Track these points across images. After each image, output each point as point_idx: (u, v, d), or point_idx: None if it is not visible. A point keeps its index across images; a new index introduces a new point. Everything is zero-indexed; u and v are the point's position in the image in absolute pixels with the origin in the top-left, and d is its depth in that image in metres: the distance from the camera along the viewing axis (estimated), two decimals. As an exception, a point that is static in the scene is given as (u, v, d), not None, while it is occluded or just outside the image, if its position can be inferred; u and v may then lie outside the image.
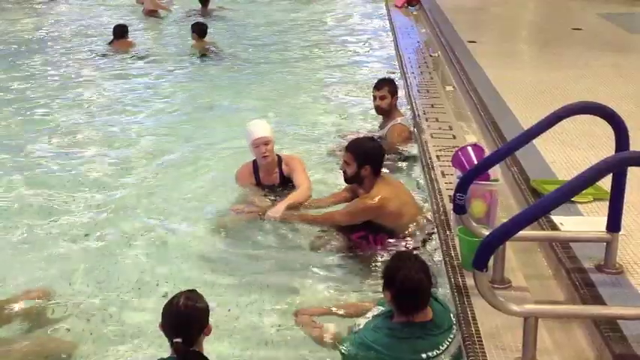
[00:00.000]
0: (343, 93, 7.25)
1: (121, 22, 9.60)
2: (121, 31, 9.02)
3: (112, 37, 9.06)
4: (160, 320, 2.67)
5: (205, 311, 2.68)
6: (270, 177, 4.59)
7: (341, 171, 4.17)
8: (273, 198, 4.50)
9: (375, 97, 5.45)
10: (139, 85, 7.82)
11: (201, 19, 10.00)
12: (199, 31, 8.91)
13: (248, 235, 4.23)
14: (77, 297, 3.63)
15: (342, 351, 2.95)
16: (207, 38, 9.01)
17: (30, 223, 4.45)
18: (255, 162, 4.58)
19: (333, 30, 10.54)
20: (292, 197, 4.36)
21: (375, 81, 5.66)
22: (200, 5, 11.36)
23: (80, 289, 3.73)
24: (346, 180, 4.11)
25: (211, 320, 2.69)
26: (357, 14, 11.68)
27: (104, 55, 8.78)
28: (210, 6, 11.47)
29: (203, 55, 8.80)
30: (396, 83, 5.73)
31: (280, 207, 4.25)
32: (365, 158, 3.96)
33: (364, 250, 3.96)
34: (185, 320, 2.59)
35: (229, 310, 3.48)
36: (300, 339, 3.24)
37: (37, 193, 4.89)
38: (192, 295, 2.68)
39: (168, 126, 6.47)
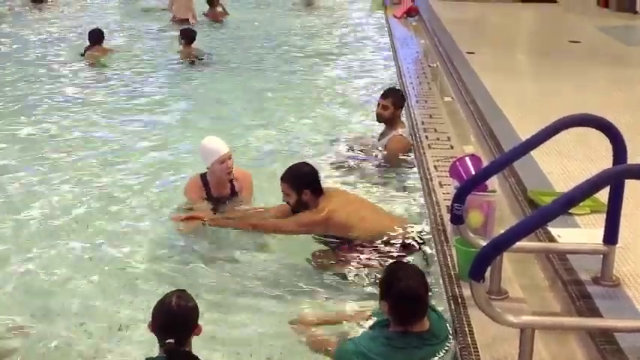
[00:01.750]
0: (338, 102, 7.25)
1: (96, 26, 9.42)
2: (98, 36, 8.84)
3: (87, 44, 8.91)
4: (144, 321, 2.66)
5: (196, 311, 2.68)
6: (223, 189, 4.55)
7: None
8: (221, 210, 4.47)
9: (378, 104, 5.47)
10: (125, 92, 7.76)
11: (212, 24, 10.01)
12: (187, 37, 8.89)
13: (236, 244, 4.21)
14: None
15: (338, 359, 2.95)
16: (198, 45, 9.02)
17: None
18: (203, 175, 4.54)
19: (331, 39, 10.56)
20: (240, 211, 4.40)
21: (379, 89, 5.68)
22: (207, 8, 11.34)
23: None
24: (293, 210, 4.11)
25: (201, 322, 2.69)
26: (355, 24, 11.73)
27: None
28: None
29: (192, 61, 8.80)
30: (404, 97, 5.71)
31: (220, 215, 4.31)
32: (300, 184, 4.01)
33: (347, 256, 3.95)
34: (177, 320, 2.59)
35: (221, 315, 3.47)
36: (297, 347, 3.23)
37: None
38: (183, 294, 2.68)
39: (152, 131, 6.41)
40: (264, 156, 5.74)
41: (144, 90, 7.83)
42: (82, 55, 8.75)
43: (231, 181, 4.53)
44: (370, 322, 3.09)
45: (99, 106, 7.13)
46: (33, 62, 8.95)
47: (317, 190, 4.06)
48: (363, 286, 3.72)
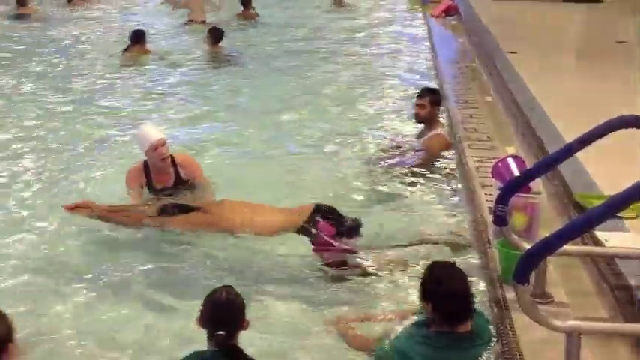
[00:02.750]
0: (374, 102, 7.18)
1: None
2: (140, 36, 8.89)
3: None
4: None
5: (243, 305, 2.72)
6: (164, 178, 4.55)
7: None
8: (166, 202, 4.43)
9: (415, 103, 5.42)
10: (155, 91, 7.79)
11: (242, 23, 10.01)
12: (215, 36, 8.89)
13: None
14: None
15: (377, 358, 2.94)
16: (227, 44, 9.05)
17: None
18: (145, 163, 4.56)
19: (365, 38, 10.43)
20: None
21: (417, 88, 5.64)
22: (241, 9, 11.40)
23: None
24: None
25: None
26: (392, 22, 11.58)
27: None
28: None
29: (217, 60, 8.84)
30: (441, 94, 5.65)
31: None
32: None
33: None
34: (228, 313, 2.64)
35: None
36: (336, 345, 3.22)
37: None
38: (231, 289, 2.74)
39: (180, 132, 6.41)
40: (293, 155, 5.74)
41: (172, 89, 7.83)
42: (123, 53, 8.86)
43: (175, 168, 4.54)
44: (410, 321, 3.06)
45: (134, 104, 7.22)
46: (75, 59, 9.11)
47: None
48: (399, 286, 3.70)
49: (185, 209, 4.24)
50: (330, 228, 3.96)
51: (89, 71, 8.51)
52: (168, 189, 4.57)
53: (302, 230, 4.02)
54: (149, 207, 4.36)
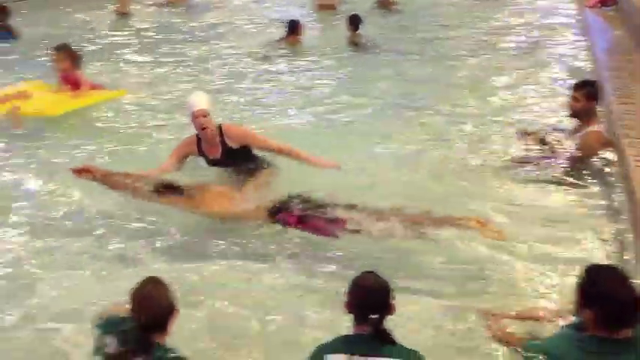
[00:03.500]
0: (526, 95, 6.94)
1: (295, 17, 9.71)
2: (296, 26, 9.12)
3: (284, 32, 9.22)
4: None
5: (390, 289, 2.77)
6: (213, 149, 4.69)
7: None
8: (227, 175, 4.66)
9: (571, 97, 5.18)
10: (297, 78, 7.92)
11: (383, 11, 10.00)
12: (354, 22, 9.02)
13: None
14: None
15: (527, 357, 2.88)
16: (362, 31, 9.07)
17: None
18: (198, 135, 4.70)
19: (514, 29, 10.01)
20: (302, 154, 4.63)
21: (572, 81, 5.38)
22: None
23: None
24: None
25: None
26: (544, 12, 11.07)
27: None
28: None
29: (356, 45, 8.90)
30: (598, 88, 5.34)
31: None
32: None
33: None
34: (379, 297, 2.72)
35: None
36: (483, 341, 3.21)
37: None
38: (376, 274, 2.80)
39: (321, 119, 6.53)
40: (432, 143, 5.72)
41: (317, 75, 7.95)
42: (278, 41, 9.15)
43: (222, 138, 4.66)
44: (564, 322, 2.98)
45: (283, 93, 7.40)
46: (230, 51, 9.36)
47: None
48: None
49: (173, 190, 4.45)
50: (291, 217, 4.13)
51: (239, 59, 8.79)
52: (219, 160, 4.74)
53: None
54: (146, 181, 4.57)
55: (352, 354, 2.68)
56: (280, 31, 9.31)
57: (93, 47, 9.26)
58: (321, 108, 6.82)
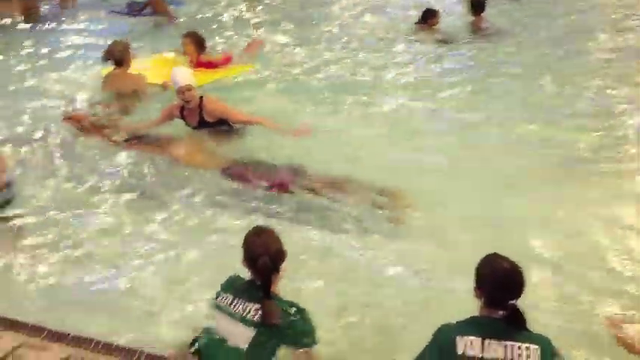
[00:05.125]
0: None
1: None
2: (430, 15, 8.91)
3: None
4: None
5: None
6: (192, 118, 5.36)
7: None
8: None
9: None
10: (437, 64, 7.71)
11: None
12: (478, 7, 8.82)
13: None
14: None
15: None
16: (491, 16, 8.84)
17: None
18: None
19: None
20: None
21: None
22: None
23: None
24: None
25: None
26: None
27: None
28: None
29: (480, 31, 8.67)
30: None
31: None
32: None
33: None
34: (519, 281, 2.62)
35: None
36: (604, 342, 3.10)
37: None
38: (507, 258, 2.69)
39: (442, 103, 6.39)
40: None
41: (447, 61, 7.76)
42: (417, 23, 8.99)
43: (200, 111, 5.29)
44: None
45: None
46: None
47: None
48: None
49: (140, 139, 5.40)
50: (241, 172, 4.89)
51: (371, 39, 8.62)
52: (195, 127, 5.37)
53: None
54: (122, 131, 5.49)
55: (485, 338, 2.58)
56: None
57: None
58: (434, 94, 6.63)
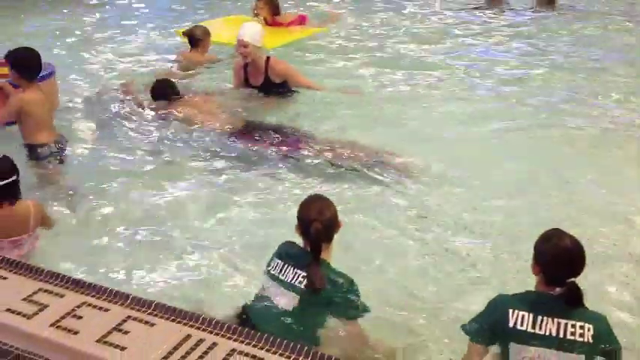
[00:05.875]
0: None
1: None
2: None
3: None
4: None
5: None
6: (257, 77, 5.43)
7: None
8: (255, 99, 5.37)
9: None
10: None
11: None
12: None
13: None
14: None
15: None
16: None
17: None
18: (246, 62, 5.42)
19: None
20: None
21: None
22: None
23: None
24: None
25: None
26: None
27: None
28: None
29: (551, 3, 8.64)
30: None
31: None
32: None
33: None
34: (580, 259, 2.53)
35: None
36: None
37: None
38: (568, 234, 2.60)
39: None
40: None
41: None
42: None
43: (266, 70, 5.35)
44: None
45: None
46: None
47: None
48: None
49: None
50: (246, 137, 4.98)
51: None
52: (258, 87, 5.44)
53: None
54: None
55: (537, 314, 2.52)
56: None
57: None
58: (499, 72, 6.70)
